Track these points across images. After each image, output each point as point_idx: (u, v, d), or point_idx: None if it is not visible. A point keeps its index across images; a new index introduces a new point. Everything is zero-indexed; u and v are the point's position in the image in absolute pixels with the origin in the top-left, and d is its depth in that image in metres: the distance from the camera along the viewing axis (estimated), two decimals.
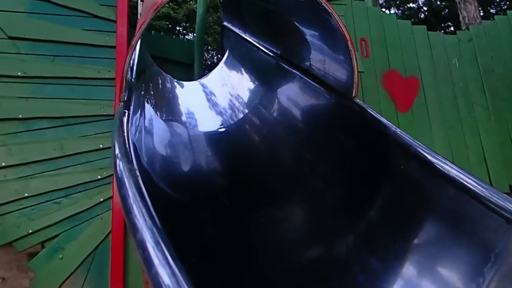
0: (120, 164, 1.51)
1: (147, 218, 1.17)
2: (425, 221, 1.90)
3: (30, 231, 2.87)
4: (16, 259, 3.90)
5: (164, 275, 0.93)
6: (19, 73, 3.09)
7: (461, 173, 1.76)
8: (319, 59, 2.79)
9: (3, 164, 2.93)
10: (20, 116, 3.03)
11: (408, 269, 1.88)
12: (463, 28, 8.48)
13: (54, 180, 3.01)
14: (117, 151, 1.62)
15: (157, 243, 1.05)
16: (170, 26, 16.51)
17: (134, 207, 1.23)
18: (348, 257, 2.12)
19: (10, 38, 3.15)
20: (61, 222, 2.95)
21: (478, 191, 1.63)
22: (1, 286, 3.69)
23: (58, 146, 3.07)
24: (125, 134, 1.81)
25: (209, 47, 16.98)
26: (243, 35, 4.06)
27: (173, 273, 0.94)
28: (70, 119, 3.15)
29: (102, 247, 2.96)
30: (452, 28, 16.04)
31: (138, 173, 1.49)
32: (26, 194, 2.92)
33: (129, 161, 1.55)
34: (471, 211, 1.65)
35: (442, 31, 14.95)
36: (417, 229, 1.91)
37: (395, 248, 1.94)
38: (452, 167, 1.81)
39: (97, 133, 3.12)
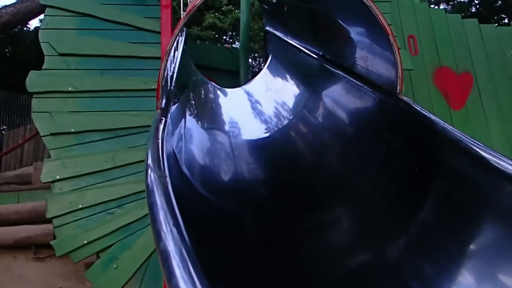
0: (151, 173, 1.49)
1: (172, 227, 1.13)
2: (482, 221, 1.77)
3: (86, 241, 2.94)
4: (74, 269, 4.05)
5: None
6: (70, 88, 3.20)
7: None
8: (362, 56, 2.71)
9: (58, 177, 3.03)
10: (72, 130, 3.13)
11: (465, 274, 1.75)
12: None
13: (107, 191, 3.07)
14: (149, 158, 1.61)
15: (180, 254, 1.01)
16: (217, 36, 16.75)
17: (160, 215, 1.19)
18: (399, 261, 2.02)
19: (61, 54, 3.27)
20: (115, 232, 3.00)
21: None
22: None
23: (110, 158, 3.14)
24: (159, 141, 1.80)
25: (256, 54, 17.08)
26: (286, 39, 4.04)
27: (194, 286, 0.90)
28: (120, 130, 3.22)
29: (155, 256, 2.98)
30: (506, 20, 15.33)
31: (168, 180, 1.46)
32: (80, 206, 2.99)
33: (160, 168, 1.53)
34: None
35: (496, 24, 14.32)
36: (473, 230, 1.78)
37: (450, 251, 1.82)
38: (508, 162, 1.69)
39: (146, 144, 3.16)
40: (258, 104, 4.14)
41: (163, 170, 1.54)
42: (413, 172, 2.23)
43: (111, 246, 2.98)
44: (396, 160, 2.41)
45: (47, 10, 3.38)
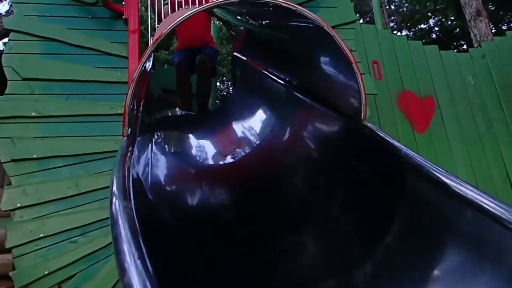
0: (115, 201, 1.46)
1: (137, 259, 1.11)
2: (445, 245, 1.82)
3: (47, 272, 2.84)
4: None
5: None
6: (33, 113, 3.14)
7: (478, 194, 1.69)
8: (327, 82, 2.76)
9: (19, 205, 2.93)
10: (35, 156, 3.06)
11: None
12: (475, 45, 8.43)
13: (70, 218, 2.99)
14: (114, 188, 1.58)
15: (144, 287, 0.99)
16: None
17: (125, 248, 1.17)
18: (366, 286, 2.03)
19: (24, 79, 3.21)
20: (78, 262, 2.91)
21: (498, 213, 1.55)
22: None
23: (74, 184, 3.07)
24: (125, 170, 1.78)
25: (224, 78, 17.19)
26: (253, 64, 4.08)
27: None
28: (85, 156, 3.16)
29: (119, 286, 2.90)
30: (465, 46, 15.98)
31: (134, 212, 1.44)
32: (42, 234, 2.90)
33: (125, 198, 1.50)
34: (492, 234, 1.57)
35: (455, 50, 14.90)
36: (437, 254, 1.82)
37: (415, 276, 1.85)
38: (468, 188, 1.74)
39: (112, 169, 3.11)
40: (225, 127, 4.14)
41: (129, 199, 1.51)
42: (378, 197, 2.27)
43: (73, 276, 2.88)
44: (362, 185, 2.45)
45: (11, 35, 3.33)
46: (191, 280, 2.09)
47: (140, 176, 2.23)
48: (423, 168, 1.95)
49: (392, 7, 20.28)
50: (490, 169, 5.22)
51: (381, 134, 2.28)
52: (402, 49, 5.61)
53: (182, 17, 2.34)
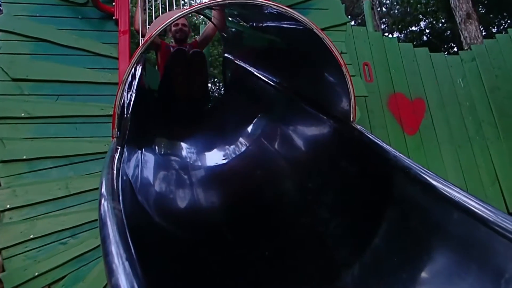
0: (104, 202, 1.45)
1: (125, 261, 1.11)
2: (432, 247, 1.83)
3: (37, 273, 2.83)
4: None
5: None
6: (23, 114, 3.12)
7: (465, 196, 1.71)
8: (318, 85, 2.77)
9: (8, 206, 2.92)
10: (24, 157, 3.04)
11: None
12: (466, 48, 8.51)
13: (60, 220, 2.98)
14: (103, 189, 1.58)
15: None
16: None
17: (113, 249, 1.17)
18: None
19: (14, 80, 3.19)
20: (68, 263, 2.91)
21: (484, 214, 1.57)
22: None
23: (63, 185, 3.06)
24: (114, 171, 1.77)
25: (216, 79, 17.16)
26: (244, 66, 4.08)
27: None
28: (75, 157, 3.15)
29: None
30: (455, 49, 16.10)
31: (123, 213, 1.43)
32: (31, 236, 2.90)
33: (114, 200, 1.49)
34: (479, 236, 1.59)
35: (446, 52, 15.01)
36: (424, 256, 1.83)
37: (403, 278, 1.86)
38: (454, 190, 1.76)
39: (101, 172, 3.10)
40: (216, 129, 4.14)
41: (117, 201, 1.51)
42: (367, 199, 2.28)
43: (63, 277, 2.88)
44: (351, 187, 2.46)
45: (1, 35, 3.31)
46: (180, 281, 2.09)
47: (130, 177, 2.23)
48: (411, 170, 1.96)
49: (384, 9, 20.40)
50: (479, 171, 5.27)
51: (370, 137, 2.30)
52: (393, 51, 5.65)
53: (174, 17, 2.34)
